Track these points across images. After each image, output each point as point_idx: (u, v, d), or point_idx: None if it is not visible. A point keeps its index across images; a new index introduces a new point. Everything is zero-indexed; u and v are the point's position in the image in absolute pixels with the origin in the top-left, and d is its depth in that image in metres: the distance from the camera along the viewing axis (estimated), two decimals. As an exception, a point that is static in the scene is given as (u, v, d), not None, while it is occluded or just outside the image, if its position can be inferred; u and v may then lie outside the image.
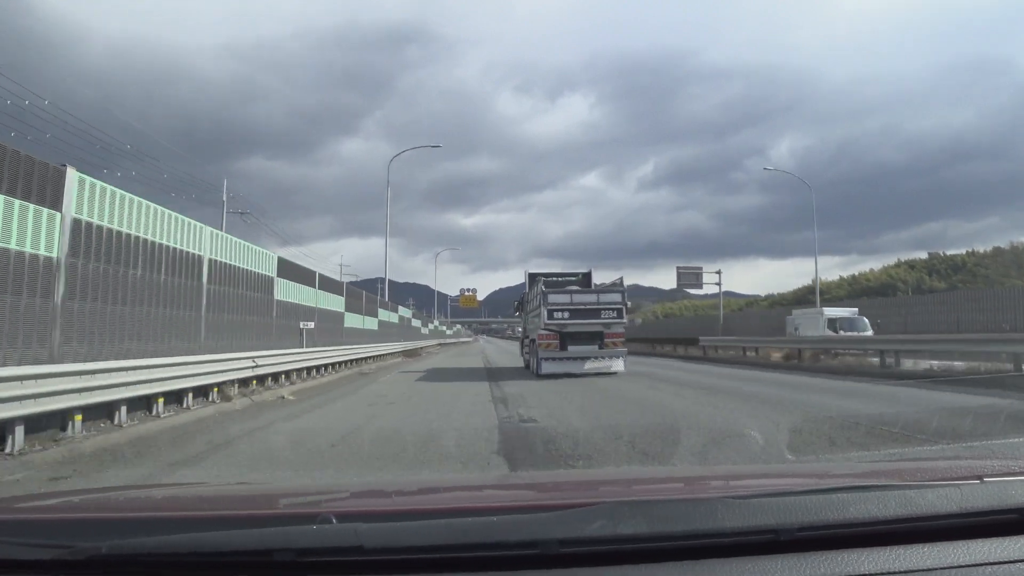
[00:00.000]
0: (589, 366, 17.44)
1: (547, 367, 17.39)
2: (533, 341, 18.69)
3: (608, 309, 17.22)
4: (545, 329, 17.45)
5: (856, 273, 74.13)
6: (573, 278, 20.68)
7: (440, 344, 62.02)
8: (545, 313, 17.29)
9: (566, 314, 17.28)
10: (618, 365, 17.69)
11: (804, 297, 64.01)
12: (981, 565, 1.15)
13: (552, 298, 17.39)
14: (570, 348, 17.46)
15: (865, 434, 7.04)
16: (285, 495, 2.24)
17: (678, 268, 42.50)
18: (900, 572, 1.14)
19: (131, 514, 1.65)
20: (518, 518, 1.27)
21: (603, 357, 17.60)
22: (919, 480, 1.60)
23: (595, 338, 17.48)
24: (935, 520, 1.26)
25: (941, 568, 1.14)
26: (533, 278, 20.20)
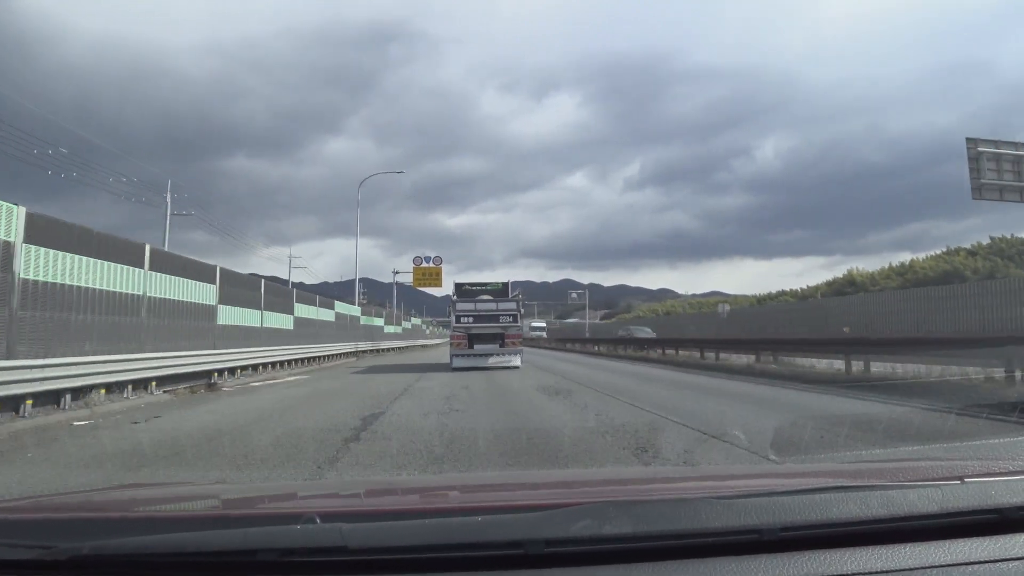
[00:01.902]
0: (492, 361, 20.70)
1: (457, 362, 20.82)
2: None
3: (505, 315, 21.25)
4: (455, 331, 21.29)
5: (905, 261, 60.11)
6: (492, 287, 23.68)
7: (357, 354, 33.49)
8: (454, 318, 21.41)
9: (471, 319, 21.16)
10: (516, 361, 21.11)
11: (841, 290, 55.00)
12: (962, 565, 1.16)
13: (460, 306, 21.45)
14: (476, 347, 20.90)
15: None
16: (269, 495, 2.23)
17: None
18: (882, 572, 1.15)
19: (113, 514, 1.64)
20: (503, 518, 1.27)
21: (504, 354, 20.95)
22: (901, 480, 1.61)
23: (497, 339, 21.00)
24: (917, 520, 1.27)
25: (922, 568, 1.15)
26: (458, 287, 23.52)
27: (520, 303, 22.15)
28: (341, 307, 33.41)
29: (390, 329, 48.73)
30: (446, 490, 2.34)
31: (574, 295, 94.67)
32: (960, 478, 1.45)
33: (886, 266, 60.82)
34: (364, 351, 36.46)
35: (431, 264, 51.60)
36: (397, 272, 54.99)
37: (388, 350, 43.84)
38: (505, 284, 23.83)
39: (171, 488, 2.43)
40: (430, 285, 52.00)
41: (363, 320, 38.92)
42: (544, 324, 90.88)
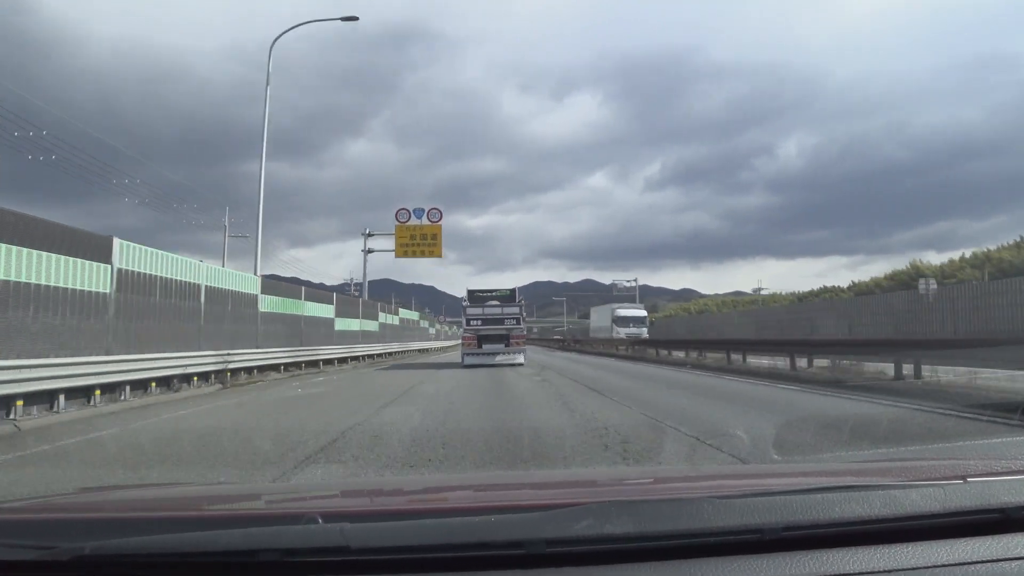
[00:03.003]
0: (498, 359, 23.60)
1: (468, 360, 23.80)
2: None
3: (510, 319, 24.29)
4: (465, 332, 24.72)
5: (977, 251, 49.62)
6: (501, 293, 26.41)
7: (224, 375, 16.23)
8: (465, 321, 24.83)
9: (479, 322, 24.23)
10: (519, 359, 23.87)
11: (908, 283, 42.64)
12: (964, 564, 1.16)
13: (469, 310, 24.80)
14: (484, 347, 23.91)
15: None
16: (271, 495, 2.24)
17: None
18: (884, 571, 1.15)
19: (115, 514, 1.64)
20: (505, 518, 1.27)
21: (509, 353, 23.87)
22: (903, 480, 1.61)
23: (503, 339, 24.02)
24: (919, 519, 1.27)
25: (925, 567, 1.15)
26: (471, 293, 26.24)
27: (523, 308, 25.41)
28: (180, 267, 15.29)
29: (350, 326, 29.36)
30: (447, 490, 2.34)
31: (625, 283, 74.29)
32: (963, 477, 1.45)
33: (956, 258, 52.41)
34: (273, 364, 19.94)
35: (423, 221, 32.97)
36: (370, 234, 35.80)
37: (344, 360, 27.32)
38: (513, 290, 26.60)
39: (172, 488, 2.43)
40: (423, 255, 33.61)
41: (268, 304, 20.30)
42: (644, 313, 56.07)
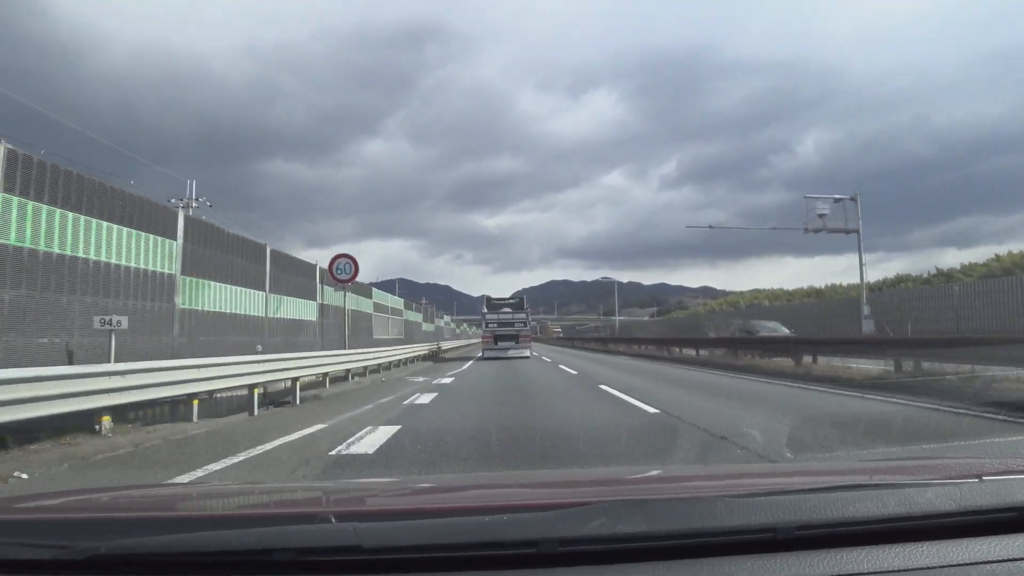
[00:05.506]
0: (510, 353, 30.21)
1: (487, 353, 30.92)
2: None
3: (519, 322, 31.82)
4: (485, 333, 32.10)
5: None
6: (512, 300, 34.11)
7: None
8: (484, 323, 32.26)
9: (496, 324, 31.62)
10: (526, 353, 30.97)
11: None
12: (980, 563, 1.15)
13: (488, 316, 32.18)
14: (499, 344, 31.04)
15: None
16: (284, 495, 2.25)
17: None
18: (899, 570, 1.14)
19: (130, 514, 1.65)
20: (517, 517, 1.27)
21: (518, 348, 30.94)
22: (918, 478, 1.60)
23: (513, 338, 31.34)
24: (934, 518, 1.26)
25: (940, 566, 1.14)
26: (488, 300, 33.63)
27: (529, 313, 32.98)
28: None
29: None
30: (460, 490, 2.34)
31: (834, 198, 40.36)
32: (979, 476, 1.44)
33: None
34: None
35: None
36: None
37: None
38: (521, 298, 34.21)
39: (187, 488, 2.45)
40: None
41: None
42: None
